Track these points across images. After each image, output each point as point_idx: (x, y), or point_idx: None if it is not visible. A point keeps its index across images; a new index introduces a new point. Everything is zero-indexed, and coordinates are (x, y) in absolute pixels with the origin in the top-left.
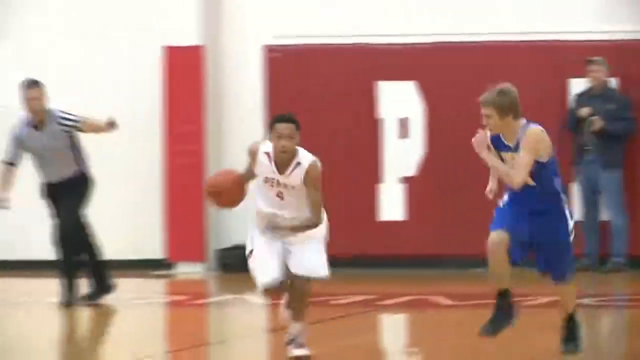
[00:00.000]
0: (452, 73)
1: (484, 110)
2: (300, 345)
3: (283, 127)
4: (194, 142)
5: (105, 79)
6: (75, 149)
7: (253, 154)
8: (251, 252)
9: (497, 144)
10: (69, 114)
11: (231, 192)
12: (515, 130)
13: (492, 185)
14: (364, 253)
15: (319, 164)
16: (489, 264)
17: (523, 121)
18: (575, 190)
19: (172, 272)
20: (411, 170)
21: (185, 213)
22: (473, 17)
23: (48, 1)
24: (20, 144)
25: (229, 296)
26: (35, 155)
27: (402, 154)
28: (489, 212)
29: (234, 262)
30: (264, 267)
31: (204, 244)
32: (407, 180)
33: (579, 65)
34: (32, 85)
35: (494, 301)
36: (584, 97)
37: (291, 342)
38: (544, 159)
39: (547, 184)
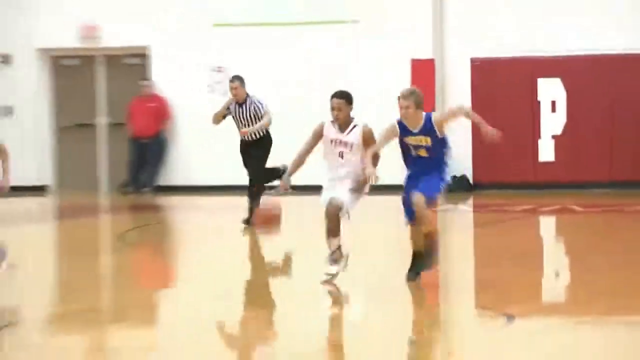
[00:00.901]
0: (583, 72)
1: (404, 102)
2: (334, 262)
3: (334, 102)
4: None
5: (369, 85)
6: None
7: (318, 132)
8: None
9: (404, 130)
10: (261, 104)
11: (273, 224)
12: (419, 119)
13: (371, 170)
14: (529, 180)
15: (370, 126)
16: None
17: (423, 113)
18: None
19: None
20: (558, 131)
21: None
22: (595, 37)
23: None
24: (224, 111)
25: (450, 206)
26: (236, 122)
27: (552, 122)
28: (599, 157)
29: (453, 186)
30: (326, 195)
31: None
32: (555, 137)
33: None
34: (233, 79)
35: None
36: None
37: (330, 257)
38: (443, 135)
39: (440, 154)
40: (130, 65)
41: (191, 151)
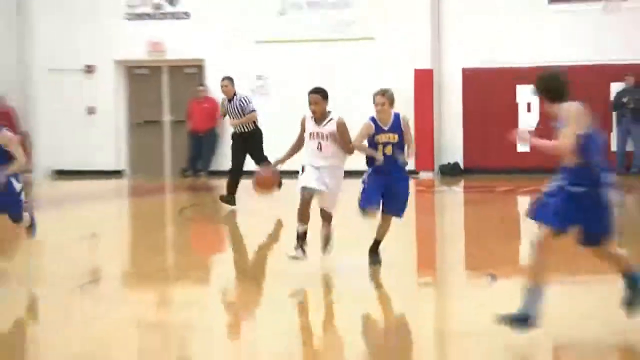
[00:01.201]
0: None
1: (380, 100)
2: (297, 248)
3: (311, 97)
4: (429, 128)
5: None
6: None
7: (303, 123)
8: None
9: (377, 128)
10: (246, 101)
11: (270, 187)
12: (390, 117)
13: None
14: (509, 166)
15: (343, 120)
16: (379, 229)
17: (393, 111)
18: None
19: (418, 176)
20: (532, 127)
21: (422, 152)
22: (562, 52)
23: None
24: (223, 108)
25: (445, 188)
26: (228, 114)
27: (527, 119)
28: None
29: (447, 171)
30: (306, 178)
31: (433, 161)
32: (530, 132)
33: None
34: (223, 79)
35: (372, 247)
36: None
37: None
38: (405, 132)
39: (402, 151)
40: (189, 73)
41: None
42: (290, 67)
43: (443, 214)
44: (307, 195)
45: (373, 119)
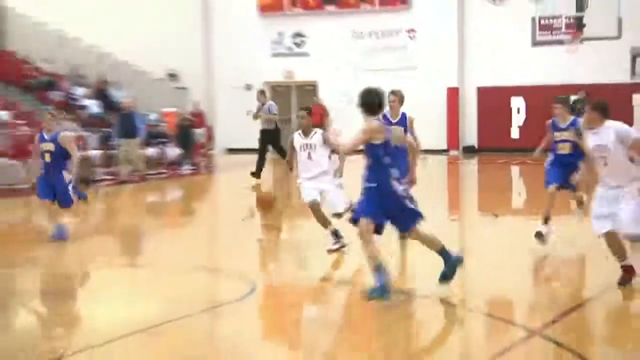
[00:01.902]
0: (534, 94)
1: (393, 97)
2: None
3: (301, 113)
4: (455, 123)
5: (421, 104)
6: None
7: (290, 143)
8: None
9: (386, 121)
10: (272, 108)
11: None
12: (399, 113)
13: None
14: (507, 147)
15: (325, 132)
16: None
17: (401, 110)
18: None
19: (449, 153)
20: (520, 124)
21: (452, 138)
22: (542, 75)
23: None
24: (257, 111)
25: (465, 161)
26: (261, 116)
27: (518, 119)
28: (542, 135)
29: (467, 150)
30: (308, 192)
31: (458, 143)
32: (519, 127)
33: None
34: (258, 91)
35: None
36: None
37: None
38: (408, 128)
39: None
40: (308, 90)
41: (341, 131)
42: (371, 86)
43: (464, 176)
44: (314, 207)
45: (384, 115)
